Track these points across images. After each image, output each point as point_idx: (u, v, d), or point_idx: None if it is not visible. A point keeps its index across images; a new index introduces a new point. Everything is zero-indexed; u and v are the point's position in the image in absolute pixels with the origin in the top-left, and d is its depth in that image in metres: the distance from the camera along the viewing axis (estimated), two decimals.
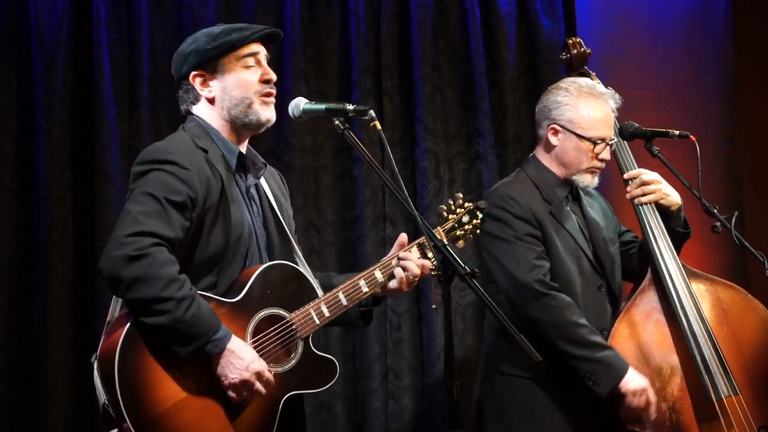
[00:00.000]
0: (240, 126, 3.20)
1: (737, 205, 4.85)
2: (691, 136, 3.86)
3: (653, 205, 3.87)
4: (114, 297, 3.07)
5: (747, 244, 3.77)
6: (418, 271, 3.22)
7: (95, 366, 2.99)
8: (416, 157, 4.69)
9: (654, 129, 4.00)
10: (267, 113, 3.19)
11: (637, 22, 5.01)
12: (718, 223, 3.79)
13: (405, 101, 4.75)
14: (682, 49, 5.14)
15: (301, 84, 4.57)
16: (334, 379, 3.16)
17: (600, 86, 3.85)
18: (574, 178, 3.81)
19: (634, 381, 3.61)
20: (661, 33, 5.11)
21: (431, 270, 3.24)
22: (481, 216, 3.48)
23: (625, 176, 3.91)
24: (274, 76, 3.21)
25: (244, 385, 2.98)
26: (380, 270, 3.23)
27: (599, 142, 3.77)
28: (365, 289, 3.21)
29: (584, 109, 3.77)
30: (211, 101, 3.19)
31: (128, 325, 2.93)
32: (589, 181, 3.82)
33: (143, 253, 2.90)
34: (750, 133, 5.22)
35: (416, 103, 4.71)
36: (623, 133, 3.94)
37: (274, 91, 3.22)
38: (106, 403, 2.94)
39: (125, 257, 2.89)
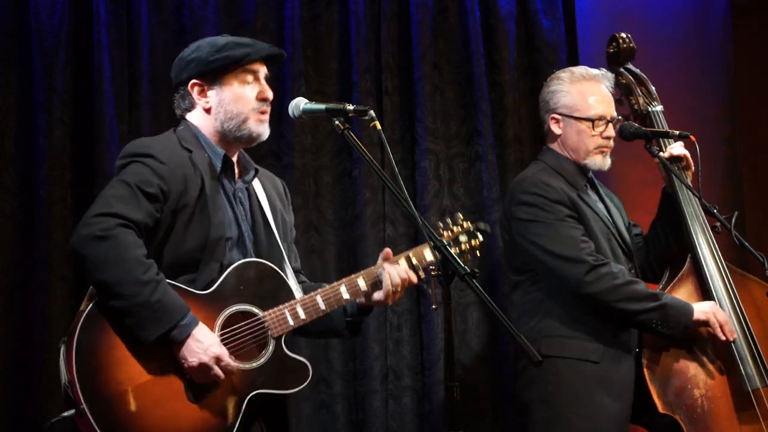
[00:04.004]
0: (231, 138, 3.24)
1: (737, 205, 4.85)
2: (691, 136, 3.88)
3: (692, 195, 3.89)
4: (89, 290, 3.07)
5: (747, 244, 3.78)
6: (405, 278, 3.20)
7: (61, 349, 3.00)
8: (416, 157, 4.69)
9: (654, 129, 4.02)
10: (260, 129, 3.23)
11: (637, 22, 5.00)
12: (718, 223, 3.81)
13: (405, 101, 4.75)
14: (682, 49, 5.14)
15: (301, 84, 4.56)
16: (304, 384, 3.11)
17: (593, 69, 3.91)
18: (586, 161, 3.86)
19: (701, 307, 3.72)
20: (661, 33, 5.11)
21: (419, 281, 3.25)
22: (481, 238, 3.45)
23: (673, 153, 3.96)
24: (270, 95, 3.25)
25: (202, 368, 2.95)
26: (363, 278, 3.22)
27: (598, 119, 3.80)
28: (346, 296, 3.19)
29: (578, 91, 3.85)
30: (207, 111, 3.23)
31: (91, 305, 2.94)
32: (600, 161, 3.87)
33: (108, 234, 2.93)
34: (750, 133, 5.22)
35: (416, 103, 4.71)
36: (623, 133, 3.96)
37: (269, 109, 3.25)
38: (66, 384, 2.94)
39: (90, 237, 2.92)
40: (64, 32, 4.30)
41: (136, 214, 2.99)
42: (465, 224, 3.45)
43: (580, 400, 3.69)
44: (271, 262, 3.20)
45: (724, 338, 3.73)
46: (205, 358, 2.95)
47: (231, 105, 3.20)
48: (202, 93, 3.22)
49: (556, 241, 3.70)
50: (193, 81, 3.22)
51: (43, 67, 4.28)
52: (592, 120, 3.82)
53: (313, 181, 4.62)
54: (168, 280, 3.00)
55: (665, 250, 4.02)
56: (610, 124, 3.86)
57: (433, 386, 4.57)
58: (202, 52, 3.20)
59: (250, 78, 3.21)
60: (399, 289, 3.21)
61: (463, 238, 3.42)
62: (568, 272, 3.68)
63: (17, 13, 4.31)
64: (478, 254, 3.47)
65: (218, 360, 2.97)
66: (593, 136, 3.83)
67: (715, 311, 3.74)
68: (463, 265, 2.82)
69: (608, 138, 3.86)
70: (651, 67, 4.32)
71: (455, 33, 4.80)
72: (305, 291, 3.25)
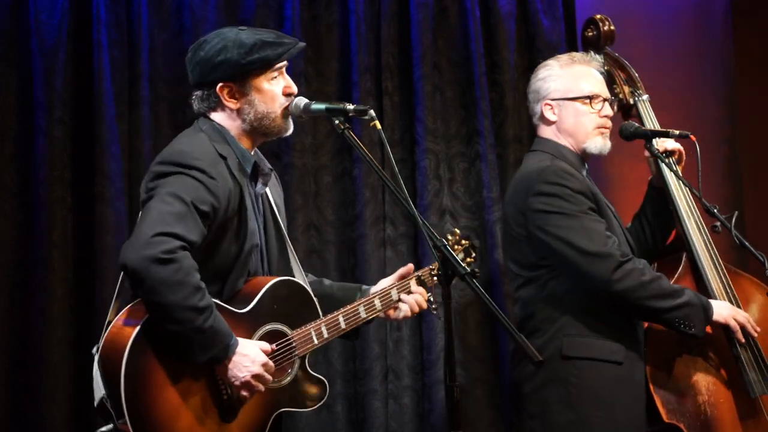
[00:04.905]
0: (258, 135, 3.22)
1: (737, 205, 4.85)
2: (691, 136, 3.87)
3: (686, 192, 3.85)
4: (114, 298, 3.06)
5: (747, 244, 3.77)
6: (418, 307, 3.36)
7: (97, 359, 2.96)
8: (416, 157, 4.69)
9: (655, 129, 4.01)
10: (288, 125, 3.22)
11: (637, 22, 5.00)
12: (718, 223, 3.80)
13: (405, 101, 4.74)
14: (682, 49, 5.13)
15: (301, 84, 4.56)
16: (323, 401, 3.20)
17: (579, 53, 3.91)
18: (586, 145, 3.76)
19: (720, 309, 3.65)
20: (661, 33, 5.10)
21: (428, 305, 3.38)
22: (474, 255, 3.58)
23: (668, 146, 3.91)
24: (296, 88, 3.22)
25: (257, 378, 2.99)
26: (379, 298, 3.30)
27: (594, 97, 3.75)
28: (363, 315, 3.27)
29: (569, 74, 3.78)
30: (236, 112, 3.17)
31: (141, 323, 2.91)
32: (601, 143, 3.77)
33: (171, 257, 2.87)
34: (750, 133, 5.22)
35: (416, 103, 4.71)
36: (623, 133, 3.94)
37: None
38: (105, 397, 2.92)
39: (153, 258, 2.85)
40: (64, 32, 4.30)
41: (193, 234, 2.94)
42: (464, 242, 3.58)
43: (604, 402, 3.58)
44: (283, 267, 3.24)
45: (743, 340, 3.68)
46: (256, 368, 2.98)
47: (262, 105, 3.15)
48: (232, 95, 3.15)
49: (582, 235, 3.55)
50: (223, 84, 3.14)
51: (43, 67, 4.27)
52: (589, 97, 3.74)
53: (313, 181, 4.62)
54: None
55: (650, 246, 3.97)
56: (607, 103, 3.78)
57: (433, 386, 4.56)
58: (231, 54, 3.10)
59: (276, 74, 3.18)
60: (410, 314, 3.36)
61: (460, 256, 3.54)
62: (595, 268, 3.53)
63: (17, 13, 4.30)
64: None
65: (267, 366, 3.01)
66: (591, 113, 3.74)
67: (734, 314, 3.67)
68: (463, 264, 2.83)
69: (606, 117, 3.77)
70: (651, 67, 4.33)
71: (455, 33, 4.80)
72: (316, 294, 3.27)
